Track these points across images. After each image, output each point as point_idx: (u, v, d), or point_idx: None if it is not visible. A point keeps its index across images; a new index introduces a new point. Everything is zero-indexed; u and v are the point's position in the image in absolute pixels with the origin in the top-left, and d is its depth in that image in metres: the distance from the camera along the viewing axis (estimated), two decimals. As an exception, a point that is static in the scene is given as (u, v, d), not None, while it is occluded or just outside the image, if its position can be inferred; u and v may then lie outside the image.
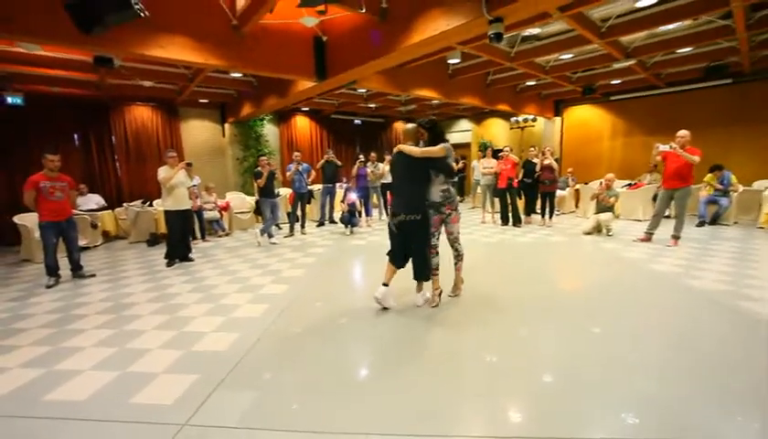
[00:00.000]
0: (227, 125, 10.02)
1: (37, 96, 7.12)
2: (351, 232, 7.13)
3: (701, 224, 6.85)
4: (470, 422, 1.93)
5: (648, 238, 5.63)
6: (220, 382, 2.30)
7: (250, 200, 8.57)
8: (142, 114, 8.83)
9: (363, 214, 7.95)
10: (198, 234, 6.96)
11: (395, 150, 3.38)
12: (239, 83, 7.99)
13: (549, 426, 1.84)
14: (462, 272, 3.59)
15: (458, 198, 3.56)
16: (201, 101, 9.28)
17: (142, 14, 3.44)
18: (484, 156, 8.17)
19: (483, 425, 1.91)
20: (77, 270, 4.80)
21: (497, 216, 7.71)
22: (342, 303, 3.61)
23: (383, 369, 2.49)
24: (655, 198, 7.57)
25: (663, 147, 5.25)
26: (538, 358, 2.50)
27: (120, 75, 6.73)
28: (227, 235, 7.53)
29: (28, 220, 5.67)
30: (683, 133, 5.19)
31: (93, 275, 4.87)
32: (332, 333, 2.99)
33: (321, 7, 4.39)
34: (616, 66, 7.30)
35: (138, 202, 7.77)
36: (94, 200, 7.48)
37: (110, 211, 7.56)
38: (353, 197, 7.30)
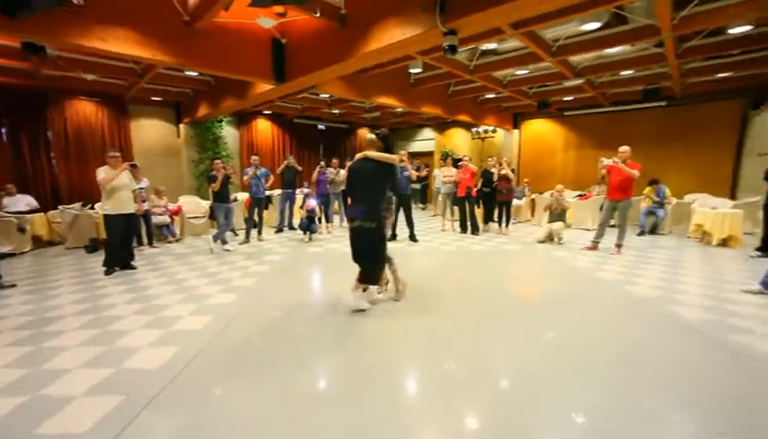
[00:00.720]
0: (182, 125, 9.52)
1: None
2: (310, 239, 6.97)
3: (642, 233, 7.36)
4: (421, 429, 1.89)
5: (595, 246, 5.96)
6: (148, 403, 2.11)
7: (206, 204, 8.16)
8: (85, 109, 8.17)
9: (323, 220, 7.81)
10: (145, 240, 6.51)
11: (359, 156, 3.42)
12: (195, 82, 7.63)
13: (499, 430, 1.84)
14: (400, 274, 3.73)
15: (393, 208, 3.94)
16: (154, 98, 8.77)
17: (75, 0, 3.19)
18: (445, 165, 8.33)
19: (437, 428, 1.87)
20: (-7, 279, 4.30)
21: (457, 224, 7.86)
22: (294, 313, 3.47)
23: (335, 384, 2.39)
24: (602, 209, 8.07)
25: (606, 161, 5.61)
26: (490, 361, 2.52)
27: (57, 66, 6.20)
28: (177, 241, 7.11)
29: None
30: (624, 148, 5.57)
31: (13, 285, 4.37)
32: (281, 345, 2.85)
33: (280, 9, 4.30)
34: (567, 84, 7.74)
35: (77, 205, 7.14)
36: (24, 201, 6.78)
37: (42, 214, 6.89)
38: (312, 203, 7.15)
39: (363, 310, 3.39)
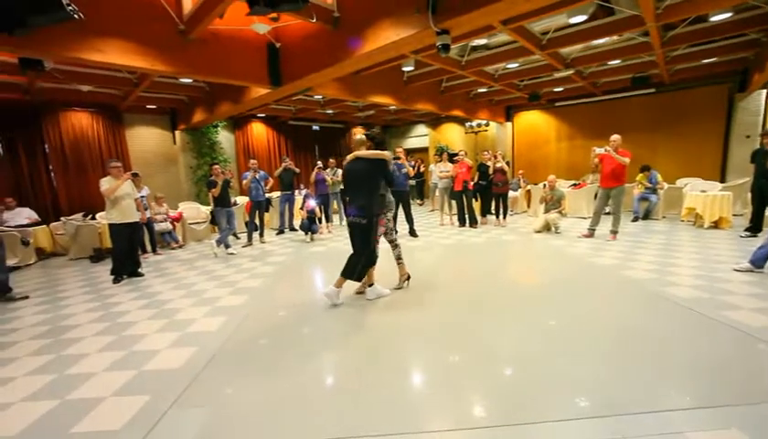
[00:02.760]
0: (178, 132, 9.57)
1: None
2: (311, 239, 7.07)
3: (635, 219, 7.54)
4: (437, 415, 2.01)
5: (591, 234, 6.12)
6: (174, 401, 2.21)
7: (206, 210, 8.23)
8: (80, 121, 8.20)
9: (323, 220, 7.92)
10: (149, 247, 6.59)
11: (350, 157, 3.56)
12: (189, 89, 7.69)
13: (507, 414, 1.97)
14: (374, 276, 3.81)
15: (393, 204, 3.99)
16: (149, 106, 8.81)
17: (76, 15, 3.25)
18: (441, 161, 8.45)
19: (448, 416, 1.99)
20: (5, 292, 4.36)
21: (455, 218, 7.99)
22: (303, 311, 3.59)
23: (346, 377, 2.51)
24: (596, 197, 8.24)
25: (599, 150, 5.76)
26: (494, 348, 2.65)
27: (53, 79, 6.24)
28: (180, 247, 7.18)
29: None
30: (615, 137, 5.72)
31: (26, 297, 4.45)
32: (294, 343, 2.96)
33: (273, 14, 4.37)
34: (557, 75, 7.88)
35: (79, 215, 7.19)
36: (24, 214, 6.82)
37: (44, 226, 6.94)
38: (312, 203, 7.24)
39: (385, 295, 3.76)
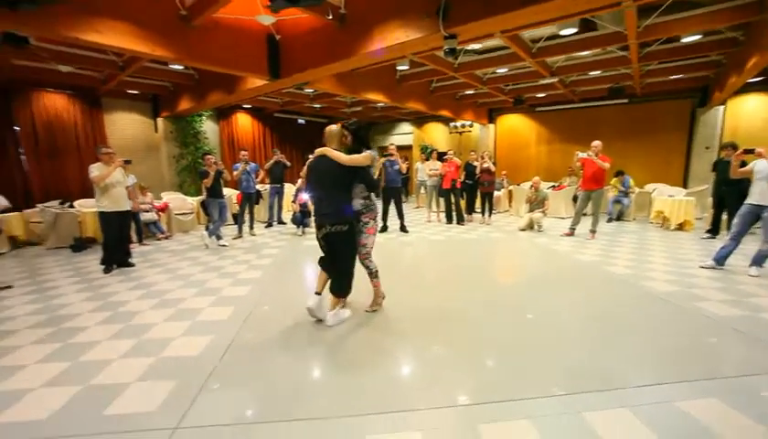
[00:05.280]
0: (160, 120, 9.24)
1: None
2: (303, 233, 7.10)
3: (610, 220, 8.09)
4: (434, 396, 2.18)
5: (572, 233, 6.53)
6: (203, 384, 2.26)
7: (192, 201, 8.05)
8: (55, 103, 7.77)
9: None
10: (135, 237, 6.38)
11: (317, 153, 3.01)
12: (177, 76, 7.46)
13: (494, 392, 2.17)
14: (381, 287, 3.36)
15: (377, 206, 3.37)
16: (130, 91, 8.45)
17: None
18: (427, 159, 8.67)
19: (443, 397, 2.17)
20: (-14, 281, 4.16)
21: (442, 215, 8.25)
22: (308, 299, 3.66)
23: (363, 357, 2.65)
24: (574, 198, 8.74)
25: (582, 155, 6.15)
26: (493, 331, 2.87)
27: (32, 57, 5.90)
28: (167, 238, 7.00)
29: None
30: (596, 143, 6.13)
31: (9, 286, 4.25)
32: (310, 330, 3.05)
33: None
34: (542, 82, 8.28)
35: (55, 203, 6.84)
36: (-4, 200, 6.41)
37: (17, 213, 6.55)
38: (304, 197, 7.26)
39: (320, 320, 3.09)
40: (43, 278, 4.61)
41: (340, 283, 3.09)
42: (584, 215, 6.87)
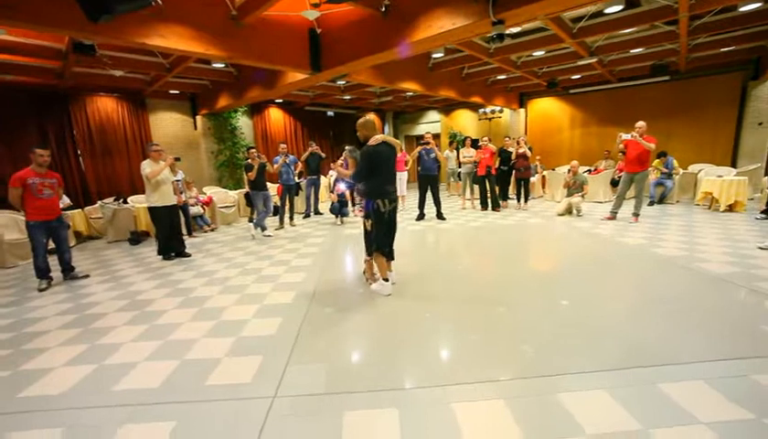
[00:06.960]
0: (198, 117, 9.62)
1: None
2: (341, 222, 7.29)
3: (651, 203, 7.84)
4: (493, 369, 2.28)
5: (613, 216, 6.40)
6: (288, 359, 2.46)
7: (234, 194, 8.40)
8: (106, 106, 8.26)
9: (352, 204, 8.12)
10: (185, 230, 6.75)
11: (380, 139, 3.35)
12: (218, 73, 7.73)
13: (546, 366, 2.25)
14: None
15: None
16: (171, 92, 8.84)
17: (153, 2, 3.39)
18: (457, 148, 8.61)
19: (508, 367, 2.27)
20: (69, 271, 4.56)
21: (477, 201, 8.24)
22: (366, 284, 3.83)
23: (398, 321, 2.78)
24: (612, 182, 8.52)
25: (625, 136, 5.98)
26: (547, 312, 2.93)
27: (87, 63, 6.29)
28: (212, 230, 7.36)
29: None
30: (640, 123, 5.94)
31: (87, 276, 4.65)
32: (370, 309, 3.21)
33: None
34: (580, 62, 8.03)
35: (111, 199, 7.32)
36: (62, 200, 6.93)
37: (80, 210, 7.07)
38: (342, 187, 7.44)
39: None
40: (113, 268, 5.00)
41: (392, 249, 3.66)
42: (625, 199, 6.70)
